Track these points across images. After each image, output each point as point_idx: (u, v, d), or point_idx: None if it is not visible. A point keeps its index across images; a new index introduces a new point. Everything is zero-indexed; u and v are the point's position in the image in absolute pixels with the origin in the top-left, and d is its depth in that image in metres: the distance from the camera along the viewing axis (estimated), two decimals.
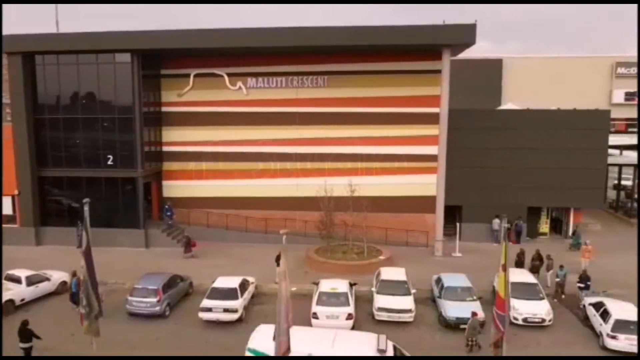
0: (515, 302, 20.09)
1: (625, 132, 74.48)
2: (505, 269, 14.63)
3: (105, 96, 29.43)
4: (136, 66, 28.85)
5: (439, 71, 29.47)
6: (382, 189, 30.68)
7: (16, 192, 29.99)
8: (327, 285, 20.58)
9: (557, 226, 33.63)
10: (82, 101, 29.67)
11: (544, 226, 33.03)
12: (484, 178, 31.27)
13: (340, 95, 30.71)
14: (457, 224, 30.88)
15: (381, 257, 26.68)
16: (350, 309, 19.28)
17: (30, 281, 22.01)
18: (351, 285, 21.23)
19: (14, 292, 21.32)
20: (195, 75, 31.39)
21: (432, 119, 29.54)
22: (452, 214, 32.56)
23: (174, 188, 32.50)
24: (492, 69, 77.07)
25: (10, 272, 22.25)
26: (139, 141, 29.40)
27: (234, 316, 19.81)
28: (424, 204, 29.87)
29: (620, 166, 40.72)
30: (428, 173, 30.13)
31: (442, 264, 27.24)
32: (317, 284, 21.21)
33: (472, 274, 23.02)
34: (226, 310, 19.77)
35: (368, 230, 28.52)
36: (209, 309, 19.80)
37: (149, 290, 20.24)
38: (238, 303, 20.02)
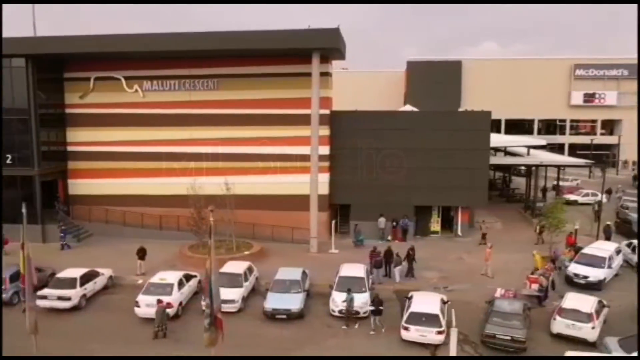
0: (334, 294, 21.23)
1: (592, 133, 74.82)
2: None
3: (4, 99, 30.97)
4: (31, 70, 30.42)
5: (326, 74, 30.85)
6: (267, 187, 31.92)
7: None
8: (157, 276, 21.91)
9: (449, 225, 34.39)
10: None
11: (435, 225, 33.88)
12: (371, 178, 32.27)
13: (229, 98, 32.00)
14: (333, 222, 31.60)
15: (246, 252, 27.82)
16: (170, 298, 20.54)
17: None
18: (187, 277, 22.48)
19: None
20: (96, 79, 32.92)
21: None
22: (347, 213, 33.69)
23: (78, 186, 33.99)
24: (452, 71, 78.22)
25: None
26: (35, 141, 30.97)
27: (67, 304, 21.14)
28: (303, 202, 30.82)
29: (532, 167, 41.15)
30: (308, 173, 31.00)
31: (313, 259, 28.38)
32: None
33: (330, 269, 24.14)
34: (60, 298, 21.11)
35: (253, 227, 29.92)
36: (45, 297, 21.17)
37: None
38: (73, 292, 21.34)
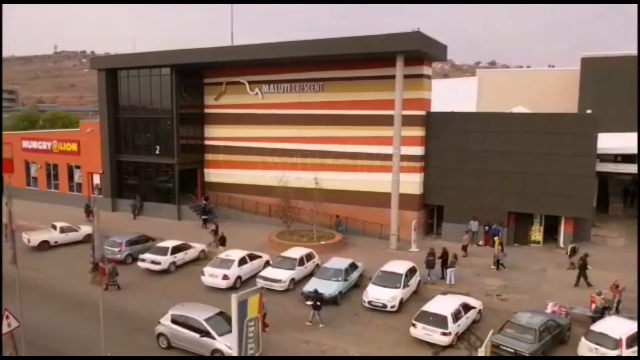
0: (369, 288, 22.39)
1: None
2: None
3: (155, 101, 38.24)
4: (174, 77, 36.94)
5: (420, 76, 31.51)
6: (361, 184, 33.56)
7: (101, 172, 40.68)
8: (225, 253, 25.57)
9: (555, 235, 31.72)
10: (142, 105, 38.96)
11: (537, 234, 31.65)
12: (466, 180, 31.71)
13: (332, 99, 34.40)
14: (414, 221, 31.48)
15: (322, 242, 29.96)
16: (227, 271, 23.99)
17: (62, 230, 31.42)
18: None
19: (49, 235, 30.93)
20: (227, 83, 38.29)
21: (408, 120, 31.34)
22: (440, 214, 33.63)
23: (211, 175, 39.93)
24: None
25: (55, 223, 32.06)
26: (176, 136, 37.47)
27: (158, 267, 26.13)
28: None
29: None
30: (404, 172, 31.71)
31: (387, 255, 29.18)
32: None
33: None
34: (153, 262, 26.19)
35: (346, 220, 32.27)
36: (143, 260, 26.48)
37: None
38: (164, 259, 26.26)
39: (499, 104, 72.86)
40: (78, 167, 42.60)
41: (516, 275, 25.90)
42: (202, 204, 37.46)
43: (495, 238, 28.96)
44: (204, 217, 36.11)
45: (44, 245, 30.50)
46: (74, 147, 42.15)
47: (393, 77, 31.18)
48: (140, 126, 39.42)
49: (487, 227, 31.34)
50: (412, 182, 32.24)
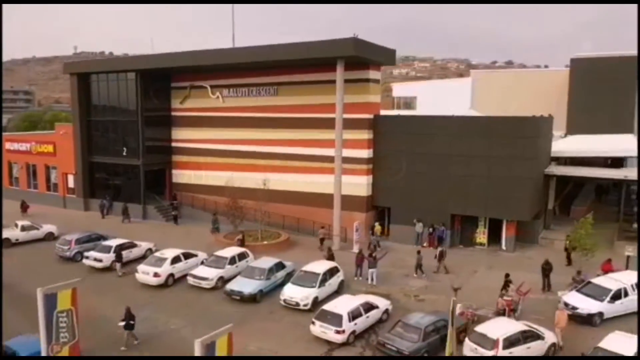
0: (286, 287, 23.26)
1: None
2: None
3: (122, 104, 39.58)
4: (139, 82, 38.20)
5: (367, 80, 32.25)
6: (310, 185, 34.46)
7: (74, 172, 42.18)
8: (160, 251, 26.64)
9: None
10: (111, 108, 40.35)
11: (482, 236, 32.10)
12: (411, 182, 32.32)
13: (288, 103, 35.25)
14: (356, 223, 32.01)
15: (265, 242, 30.84)
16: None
17: (24, 228, 32.90)
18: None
19: (11, 233, 32.41)
20: (191, 87, 39.41)
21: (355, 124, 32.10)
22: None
23: (179, 176, 41.12)
24: (626, 68, 68.16)
25: (17, 221, 33.55)
26: (141, 138, 38.76)
27: (100, 264, 27.33)
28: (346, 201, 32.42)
29: None
30: (348, 174, 32.45)
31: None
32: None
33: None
34: (95, 259, 27.45)
35: (298, 221, 33.41)
36: (87, 257, 27.71)
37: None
38: (107, 256, 27.47)
39: (492, 104, 74.18)
40: (54, 167, 44.21)
41: (443, 277, 26.47)
42: (172, 203, 38.86)
43: (376, 224, 31.05)
44: (174, 213, 37.50)
45: (6, 243, 31.95)
46: (50, 148, 43.78)
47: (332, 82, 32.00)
48: (110, 129, 40.85)
49: (431, 229, 31.92)
50: (359, 184, 32.99)
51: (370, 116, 32.96)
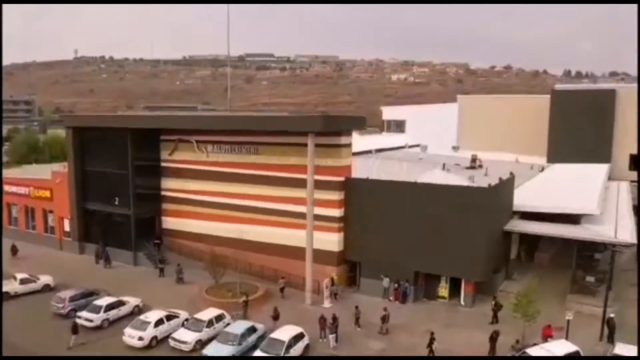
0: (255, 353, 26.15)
1: None
2: None
3: (114, 156, 42.44)
4: (130, 138, 41.11)
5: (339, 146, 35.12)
6: (285, 239, 37.18)
7: (69, 217, 45.10)
8: (145, 314, 29.52)
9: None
10: (104, 159, 43.26)
11: (443, 290, 34.98)
12: (378, 240, 35.15)
13: (268, 162, 38.12)
14: (326, 280, 34.80)
15: (241, 300, 33.57)
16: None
17: (22, 281, 35.80)
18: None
19: (10, 287, 35.29)
20: (178, 141, 42.31)
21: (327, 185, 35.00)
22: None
23: (168, 223, 44.03)
24: (604, 101, 71.13)
25: (15, 274, 36.45)
26: (132, 188, 41.76)
27: (92, 324, 30.24)
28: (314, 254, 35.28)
29: None
30: (319, 230, 35.34)
31: (301, 312, 32.89)
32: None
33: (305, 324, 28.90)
34: (87, 319, 30.32)
35: (276, 272, 36.21)
36: (79, 317, 30.61)
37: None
38: (97, 316, 30.36)
39: (477, 128, 77.53)
40: (51, 211, 47.14)
41: (402, 338, 29.30)
42: (156, 243, 41.85)
43: (333, 274, 33.85)
44: (160, 266, 40.19)
45: (6, 296, 34.84)
46: (47, 193, 46.75)
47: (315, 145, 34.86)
48: (103, 178, 43.73)
49: (396, 284, 34.79)
50: (331, 241, 35.89)
51: (342, 178, 35.81)
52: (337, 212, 35.85)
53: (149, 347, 28.10)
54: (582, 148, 70.10)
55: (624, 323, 30.09)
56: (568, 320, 28.92)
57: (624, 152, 71.03)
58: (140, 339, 27.89)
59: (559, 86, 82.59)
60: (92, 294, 33.76)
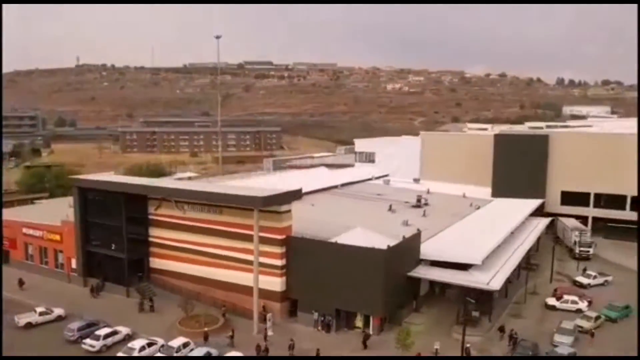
0: None
1: None
2: None
3: (112, 210, 54.27)
4: (123, 198, 53.01)
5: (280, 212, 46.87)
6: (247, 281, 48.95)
7: (75, 257, 56.98)
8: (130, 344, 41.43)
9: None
10: (104, 212, 55.13)
11: (359, 322, 46.56)
12: (310, 282, 46.78)
13: (227, 220, 49.87)
14: (268, 315, 46.47)
15: (206, 329, 45.30)
16: None
17: (41, 313, 47.60)
18: None
19: (31, 318, 47.06)
20: (161, 199, 54.16)
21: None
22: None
23: (155, 263, 55.81)
24: (538, 144, 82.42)
25: (35, 308, 48.26)
26: (125, 236, 53.58)
27: (94, 349, 42.06)
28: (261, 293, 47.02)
29: None
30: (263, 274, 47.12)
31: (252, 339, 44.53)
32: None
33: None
34: (90, 346, 42.17)
35: (235, 306, 47.90)
36: (84, 344, 42.47)
37: None
38: (97, 343, 42.19)
39: (437, 162, 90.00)
40: (61, 251, 59.04)
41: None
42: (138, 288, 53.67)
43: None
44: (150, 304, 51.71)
45: (28, 325, 46.62)
46: (57, 237, 58.67)
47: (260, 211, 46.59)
48: (102, 227, 55.61)
49: (322, 317, 46.50)
50: (276, 282, 47.60)
51: (283, 236, 47.53)
52: (279, 262, 47.60)
53: None
54: (521, 184, 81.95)
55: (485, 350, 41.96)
56: (436, 349, 40.64)
57: (557, 188, 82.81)
58: None
59: (502, 130, 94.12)
60: (93, 324, 45.51)
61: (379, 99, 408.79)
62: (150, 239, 55.78)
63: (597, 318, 48.23)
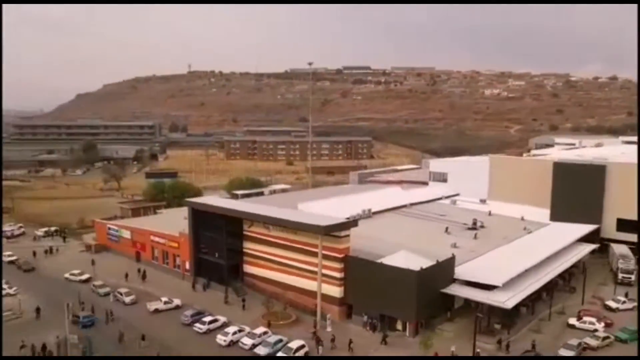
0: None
1: None
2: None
3: (215, 227, 71.59)
4: (224, 218, 70.13)
5: (339, 237, 61.22)
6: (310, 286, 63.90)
7: (189, 260, 75.14)
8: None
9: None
10: (211, 228, 72.73)
11: (399, 325, 59.50)
12: (362, 292, 60.59)
13: (298, 239, 65.05)
14: (328, 315, 60.76)
15: (281, 322, 60.53)
16: None
17: (165, 302, 65.77)
18: None
19: (158, 305, 65.35)
20: (253, 220, 70.59)
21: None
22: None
23: (247, 269, 72.44)
24: (596, 174, 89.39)
25: (161, 297, 66.59)
26: (225, 247, 70.68)
27: (201, 330, 59.17)
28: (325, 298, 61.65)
29: None
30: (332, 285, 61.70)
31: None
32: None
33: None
34: (197, 326, 59.35)
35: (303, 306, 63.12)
36: (194, 326, 59.80)
37: None
38: (205, 327, 59.36)
39: (504, 183, 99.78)
40: (178, 255, 77.69)
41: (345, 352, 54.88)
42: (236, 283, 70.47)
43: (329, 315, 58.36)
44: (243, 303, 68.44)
45: (155, 311, 64.85)
46: (176, 244, 77.38)
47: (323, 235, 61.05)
48: (209, 239, 73.20)
49: (370, 320, 60.05)
50: (335, 290, 61.96)
51: (342, 255, 61.75)
52: (339, 275, 61.87)
53: (228, 346, 56.03)
54: (578, 210, 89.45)
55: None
56: (452, 351, 52.82)
57: (613, 215, 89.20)
58: (225, 341, 56.01)
59: (559, 159, 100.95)
60: (201, 313, 62.67)
61: (476, 105, 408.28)
62: (245, 250, 72.38)
63: (606, 338, 57.37)
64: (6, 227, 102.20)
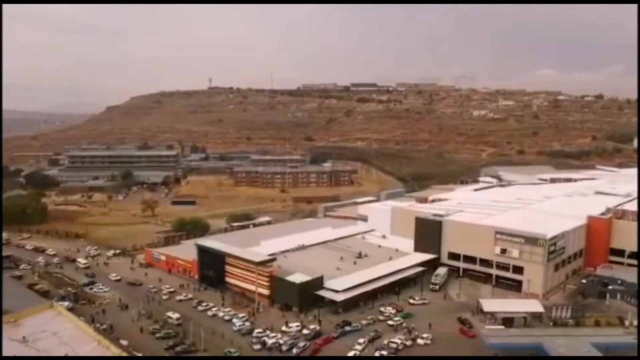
0: None
1: None
2: None
3: (212, 257, 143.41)
4: (215, 253, 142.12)
5: None
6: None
7: (197, 275, 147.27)
8: None
9: None
10: (207, 256, 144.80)
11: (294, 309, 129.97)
12: (281, 288, 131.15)
13: None
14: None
15: None
16: None
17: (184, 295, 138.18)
18: None
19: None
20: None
21: None
22: None
23: (230, 282, 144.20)
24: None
25: None
26: (219, 270, 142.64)
27: None
28: None
29: None
30: None
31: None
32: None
33: None
34: None
35: None
36: None
37: None
38: None
39: (399, 223, 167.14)
40: (192, 271, 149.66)
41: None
42: None
43: None
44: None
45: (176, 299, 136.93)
46: (190, 266, 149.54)
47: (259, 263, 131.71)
48: (209, 263, 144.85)
49: (281, 306, 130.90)
50: (265, 291, 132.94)
51: (268, 274, 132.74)
52: (267, 283, 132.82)
53: (213, 316, 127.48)
54: (427, 245, 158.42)
55: None
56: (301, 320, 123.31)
57: (445, 249, 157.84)
58: (214, 315, 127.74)
59: (418, 214, 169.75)
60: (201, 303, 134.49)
61: (463, 126, 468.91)
62: (226, 269, 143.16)
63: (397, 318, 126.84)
64: (87, 248, 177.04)
